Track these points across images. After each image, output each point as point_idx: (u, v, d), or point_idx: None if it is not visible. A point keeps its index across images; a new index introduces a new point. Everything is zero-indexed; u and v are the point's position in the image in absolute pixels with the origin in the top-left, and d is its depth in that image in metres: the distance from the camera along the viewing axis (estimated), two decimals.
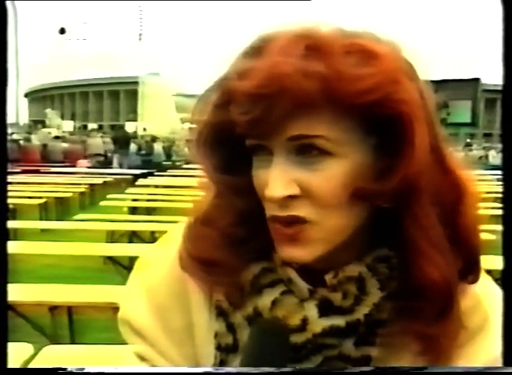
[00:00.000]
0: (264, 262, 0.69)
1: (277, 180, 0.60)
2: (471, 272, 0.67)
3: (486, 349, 0.69)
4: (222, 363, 0.70)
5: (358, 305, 0.66)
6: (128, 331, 0.76)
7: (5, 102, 0.63)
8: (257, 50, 0.61)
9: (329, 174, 0.60)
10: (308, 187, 0.61)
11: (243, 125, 0.61)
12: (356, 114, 0.59)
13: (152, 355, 0.73)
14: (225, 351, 0.70)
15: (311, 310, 0.66)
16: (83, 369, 0.58)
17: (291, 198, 0.61)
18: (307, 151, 0.60)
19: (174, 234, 0.75)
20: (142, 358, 0.74)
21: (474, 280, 0.68)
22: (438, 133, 0.64)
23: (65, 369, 0.58)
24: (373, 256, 0.67)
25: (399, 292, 0.65)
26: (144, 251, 0.80)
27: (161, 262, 0.75)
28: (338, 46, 0.58)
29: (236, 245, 0.67)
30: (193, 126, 0.68)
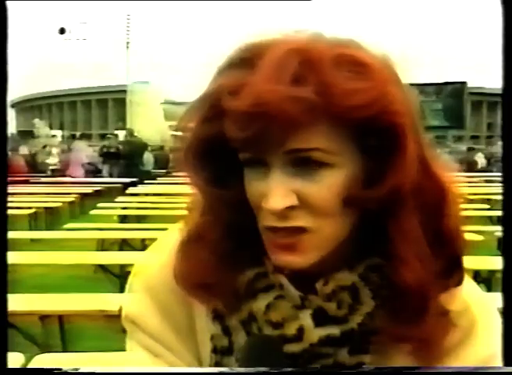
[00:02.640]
0: (258, 268, 0.69)
1: (276, 191, 0.60)
2: (454, 271, 0.68)
3: (475, 353, 0.70)
4: (217, 365, 0.71)
5: (352, 314, 0.67)
6: (134, 330, 0.76)
7: (5, 111, 0.64)
8: (246, 62, 0.61)
9: (326, 184, 0.61)
10: (306, 197, 0.61)
11: (239, 141, 0.61)
12: (350, 125, 0.60)
13: (161, 351, 0.74)
14: (220, 354, 0.71)
15: (307, 319, 0.67)
16: (78, 369, 0.60)
17: (290, 208, 0.61)
18: (303, 162, 0.61)
19: (169, 238, 0.76)
20: (155, 354, 0.74)
21: (459, 281, 0.69)
22: (422, 138, 0.65)
23: (60, 369, 0.59)
24: (365, 265, 0.67)
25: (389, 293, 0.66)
26: (141, 255, 0.80)
27: (159, 263, 0.75)
28: (329, 59, 0.59)
29: (227, 260, 0.68)
30: (180, 138, 0.68)
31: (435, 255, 0.65)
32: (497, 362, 0.69)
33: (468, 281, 0.71)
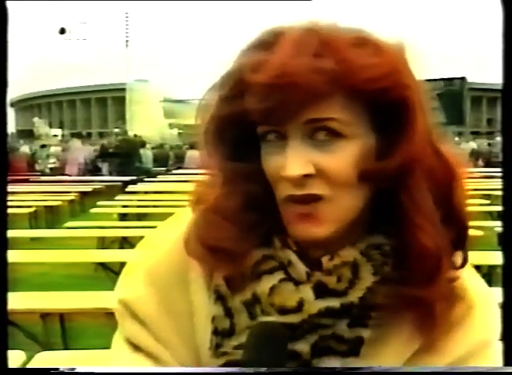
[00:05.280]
0: (265, 249, 0.71)
1: (293, 160, 0.64)
2: (463, 240, 0.71)
3: (471, 336, 0.72)
4: (217, 347, 0.71)
5: (352, 288, 0.68)
6: (126, 315, 0.75)
7: (5, 110, 0.64)
8: (266, 43, 0.65)
9: (341, 155, 0.65)
10: (322, 167, 0.64)
11: (259, 113, 0.64)
12: (364, 98, 0.64)
13: (147, 341, 0.74)
14: (220, 335, 0.71)
15: (308, 293, 0.68)
16: (74, 369, 0.60)
17: (307, 177, 0.64)
18: (320, 133, 0.64)
19: (176, 220, 0.78)
20: (135, 347, 0.74)
21: (464, 261, 0.71)
22: (430, 120, 0.69)
23: (57, 369, 0.60)
24: (367, 243, 0.70)
25: (396, 265, 0.69)
26: (148, 234, 0.82)
27: (161, 245, 0.77)
28: (345, 39, 0.64)
29: (243, 231, 0.69)
30: (201, 116, 0.72)
31: (445, 227, 0.68)
32: (493, 348, 0.72)
33: (468, 268, 0.73)
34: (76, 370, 0.60)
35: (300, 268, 0.70)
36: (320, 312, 0.68)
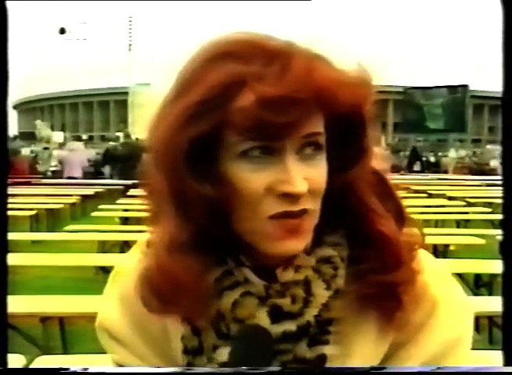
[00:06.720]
0: (223, 266, 0.70)
1: (297, 175, 0.63)
2: (403, 219, 0.73)
3: (438, 336, 0.71)
4: (189, 366, 0.71)
5: (307, 307, 0.68)
6: (106, 338, 0.78)
7: (6, 115, 0.64)
8: (261, 56, 0.63)
9: (321, 167, 0.66)
10: (310, 180, 0.64)
11: (263, 126, 0.60)
12: (337, 114, 0.65)
13: (132, 362, 0.75)
14: (191, 354, 0.72)
15: (263, 319, 0.68)
16: (87, 369, 0.59)
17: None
18: (308, 148, 0.65)
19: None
20: (126, 363, 0.76)
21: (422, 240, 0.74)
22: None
23: (67, 369, 0.59)
24: (316, 257, 0.70)
25: (357, 259, 0.70)
26: (122, 258, 0.82)
27: (134, 269, 0.73)
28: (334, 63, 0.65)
29: (196, 265, 0.67)
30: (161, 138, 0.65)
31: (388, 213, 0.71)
32: (465, 345, 0.72)
33: (439, 271, 0.75)
34: (88, 370, 0.60)
35: (258, 283, 0.69)
36: (277, 337, 0.67)
